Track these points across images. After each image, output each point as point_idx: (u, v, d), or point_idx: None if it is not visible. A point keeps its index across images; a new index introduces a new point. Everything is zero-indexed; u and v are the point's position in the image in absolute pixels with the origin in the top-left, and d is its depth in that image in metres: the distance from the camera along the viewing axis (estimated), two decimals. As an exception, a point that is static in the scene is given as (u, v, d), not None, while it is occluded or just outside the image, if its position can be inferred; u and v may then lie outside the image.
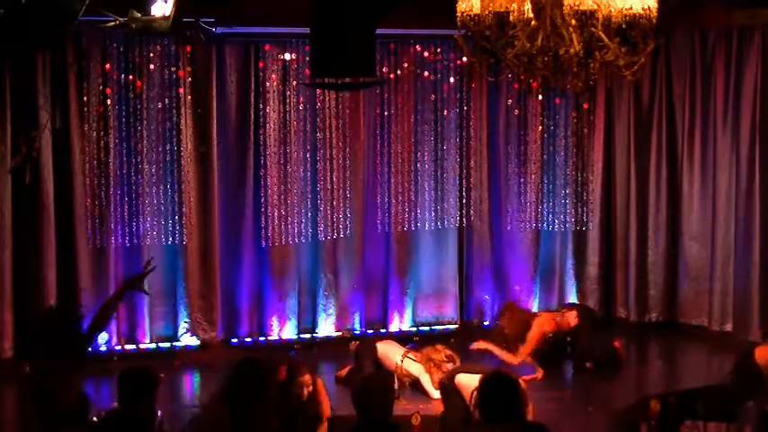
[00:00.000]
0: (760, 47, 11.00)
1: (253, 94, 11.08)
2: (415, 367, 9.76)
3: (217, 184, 11.03)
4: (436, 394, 9.25)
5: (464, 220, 11.89)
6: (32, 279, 10.40)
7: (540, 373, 9.89)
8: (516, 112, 11.88)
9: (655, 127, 11.91)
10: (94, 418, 6.52)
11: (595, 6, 6.28)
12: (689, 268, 11.81)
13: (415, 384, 9.71)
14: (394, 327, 11.64)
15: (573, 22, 6.26)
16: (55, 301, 10.25)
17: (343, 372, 9.99)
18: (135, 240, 10.80)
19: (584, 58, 6.37)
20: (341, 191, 11.41)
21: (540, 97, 11.67)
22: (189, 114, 10.89)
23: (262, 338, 11.31)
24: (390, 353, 9.97)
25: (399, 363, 9.79)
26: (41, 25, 7.66)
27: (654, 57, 11.08)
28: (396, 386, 9.04)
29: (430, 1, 8.80)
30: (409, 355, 9.93)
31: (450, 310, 11.85)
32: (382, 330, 11.54)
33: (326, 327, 11.48)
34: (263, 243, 11.23)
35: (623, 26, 6.42)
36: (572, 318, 10.56)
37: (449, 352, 9.66)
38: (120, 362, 10.24)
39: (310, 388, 8.05)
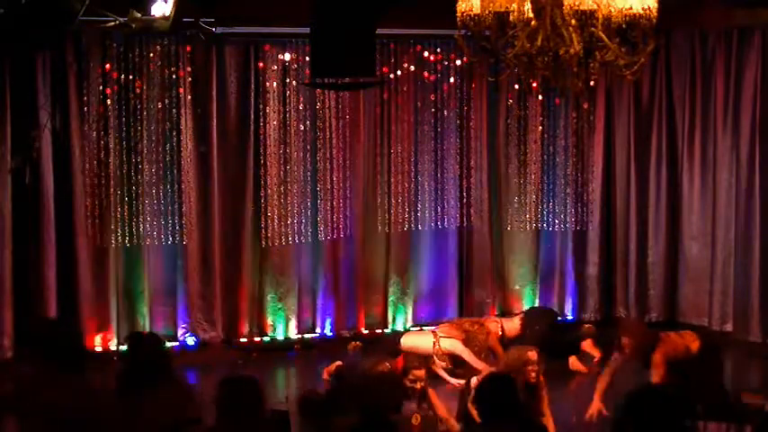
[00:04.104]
0: (760, 47, 11.00)
1: (253, 94, 11.08)
2: (449, 343, 9.89)
3: (217, 183, 11.03)
4: (482, 365, 9.55)
5: (464, 220, 11.89)
6: (32, 279, 10.40)
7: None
8: (516, 112, 11.88)
9: (655, 127, 11.92)
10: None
11: (595, 6, 6.29)
12: (689, 268, 11.82)
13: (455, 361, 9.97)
14: (394, 327, 11.63)
15: (573, 22, 6.27)
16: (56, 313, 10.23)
17: (332, 367, 9.90)
18: (135, 240, 10.80)
19: (584, 58, 6.37)
20: (341, 191, 11.41)
21: (540, 97, 11.67)
22: (189, 114, 10.89)
23: (262, 338, 11.31)
24: (419, 341, 10.05)
25: (435, 345, 9.88)
26: (41, 25, 7.66)
27: (654, 57, 11.07)
28: (437, 365, 9.68)
29: (430, 1, 8.80)
30: (440, 333, 10.12)
31: (451, 310, 11.84)
32: (383, 330, 11.55)
33: (326, 327, 11.47)
34: (263, 243, 11.23)
35: (623, 26, 6.42)
36: (516, 324, 10.60)
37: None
38: (121, 362, 10.25)
39: (423, 383, 8.13)
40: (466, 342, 10.04)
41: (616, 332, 8.81)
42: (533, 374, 8.07)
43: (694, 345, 8.51)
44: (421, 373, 8.12)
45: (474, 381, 8.81)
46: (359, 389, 8.02)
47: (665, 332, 8.81)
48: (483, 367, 9.49)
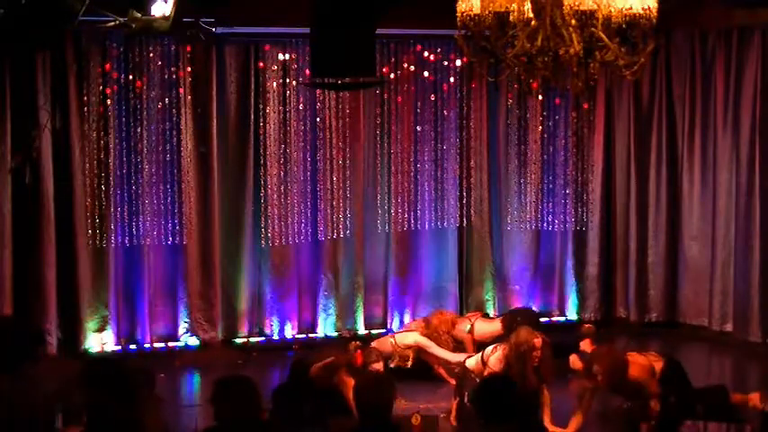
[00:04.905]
0: (760, 47, 11.00)
1: (253, 94, 11.08)
2: (411, 337, 10.01)
3: (217, 184, 11.03)
4: (448, 355, 9.69)
5: (464, 220, 11.89)
6: (32, 279, 10.40)
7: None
8: (516, 112, 11.88)
9: (655, 127, 11.92)
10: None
11: (595, 6, 6.29)
12: (689, 268, 11.82)
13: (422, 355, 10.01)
14: (394, 327, 11.61)
15: (573, 22, 6.26)
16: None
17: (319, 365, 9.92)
18: (135, 240, 10.80)
19: (584, 58, 6.37)
20: (341, 191, 11.41)
21: (540, 97, 11.67)
22: (189, 114, 10.89)
23: (262, 338, 11.31)
24: (381, 343, 10.14)
25: (393, 341, 10.00)
26: (41, 25, 7.66)
27: (654, 57, 11.07)
28: (405, 362, 9.85)
29: (430, 1, 8.80)
30: (397, 330, 10.41)
31: (450, 310, 11.82)
32: (382, 330, 11.54)
33: (326, 327, 11.47)
34: (263, 243, 11.23)
35: (623, 26, 6.42)
36: (497, 326, 10.60)
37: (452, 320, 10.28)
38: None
39: (381, 373, 8.44)
40: (428, 334, 10.08)
41: (589, 362, 8.73)
42: (535, 359, 8.34)
43: (658, 364, 8.53)
44: (379, 366, 8.49)
45: (471, 361, 8.80)
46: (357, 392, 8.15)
47: (630, 353, 8.78)
48: (450, 357, 9.67)
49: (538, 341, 8.36)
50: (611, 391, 8.55)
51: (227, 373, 6.81)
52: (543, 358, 8.40)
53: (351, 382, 8.42)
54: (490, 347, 8.90)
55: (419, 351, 9.97)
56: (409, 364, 9.96)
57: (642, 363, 8.44)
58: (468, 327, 10.54)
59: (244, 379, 5.86)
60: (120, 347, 10.81)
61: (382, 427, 5.79)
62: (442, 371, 9.91)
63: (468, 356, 9.38)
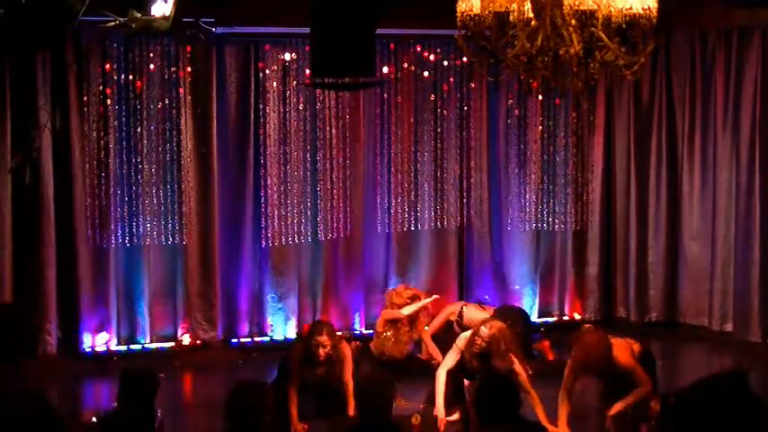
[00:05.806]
0: (760, 47, 11.00)
1: (253, 94, 11.08)
2: (381, 317, 10.05)
3: (217, 183, 11.03)
4: (402, 315, 9.80)
5: (464, 220, 11.89)
6: (32, 279, 10.40)
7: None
8: (516, 112, 11.88)
9: (655, 127, 11.92)
10: (93, 419, 6.53)
11: (595, 6, 6.28)
12: (689, 268, 11.82)
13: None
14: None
15: (573, 22, 6.26)
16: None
17: None
18: (135, 240, 10.81)
19: (584, 58, 6.37)
20: (341, 191, 11.41)
21: (540, 97, 11.66)
22: (189, 114, 10.89)
23: (262, 338, 11.31)
24: (373, 342, 10.18)
25: (377, 331, 10.03)
26: (41, 25, 7.66)
27: (654, 57, 11.07)
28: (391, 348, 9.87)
29: (430, 1, 8.80)
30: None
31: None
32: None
33: (326, 327, 11.46)
34: (263, 243, 11.23)
35: (623, 26, 6.41)
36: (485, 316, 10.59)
37: (410, 292, 10.18)
38: (120, 362, 10.26)
39: (327, 349, 8.45)
40: (388, 306, 10.20)
41: (570, 339, 8.71)
42: (476, 346, 8.37)
43: (636, 346, 8.55)
44: (323, 339, 8.41)
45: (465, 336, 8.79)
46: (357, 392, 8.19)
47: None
48: (403, 316, 9.77)
49: (485, 333, 8.33)
50: (598, 375, 8.51)
51: (246, 379, 6.78)
52: (499, 352, 8.34)
53: (296, 350, 8.64)
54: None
55: (397, 328, 10.05)
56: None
57: (622, 344, 8.45)
58: (457, 314, 10.67)
59: (260, 384, 5.89)
60: (120, 347, 10.82)
61: (382, 426, 5.79)
62: (431, 350, 9.97)
63: (418, 308, 9.80)
